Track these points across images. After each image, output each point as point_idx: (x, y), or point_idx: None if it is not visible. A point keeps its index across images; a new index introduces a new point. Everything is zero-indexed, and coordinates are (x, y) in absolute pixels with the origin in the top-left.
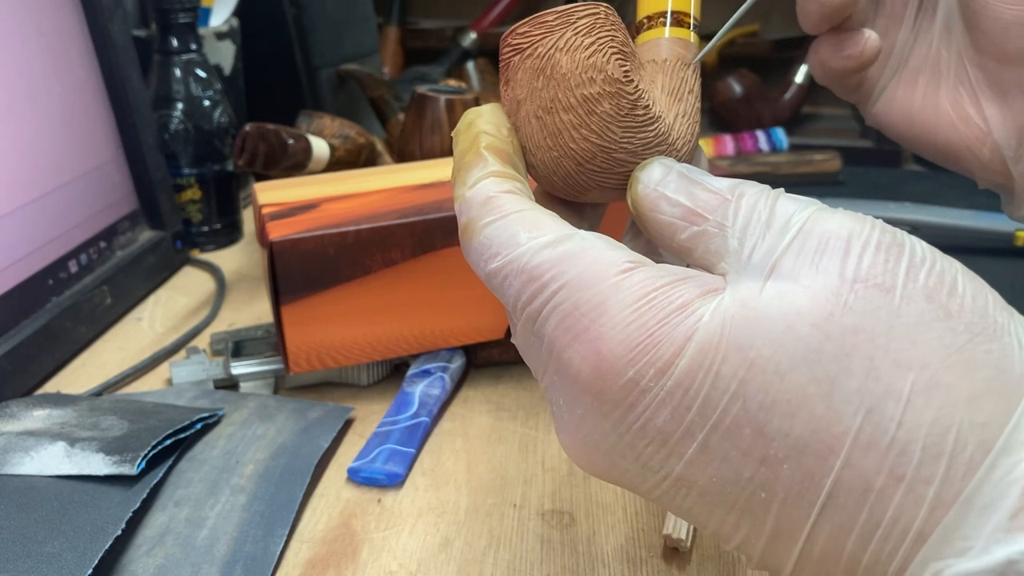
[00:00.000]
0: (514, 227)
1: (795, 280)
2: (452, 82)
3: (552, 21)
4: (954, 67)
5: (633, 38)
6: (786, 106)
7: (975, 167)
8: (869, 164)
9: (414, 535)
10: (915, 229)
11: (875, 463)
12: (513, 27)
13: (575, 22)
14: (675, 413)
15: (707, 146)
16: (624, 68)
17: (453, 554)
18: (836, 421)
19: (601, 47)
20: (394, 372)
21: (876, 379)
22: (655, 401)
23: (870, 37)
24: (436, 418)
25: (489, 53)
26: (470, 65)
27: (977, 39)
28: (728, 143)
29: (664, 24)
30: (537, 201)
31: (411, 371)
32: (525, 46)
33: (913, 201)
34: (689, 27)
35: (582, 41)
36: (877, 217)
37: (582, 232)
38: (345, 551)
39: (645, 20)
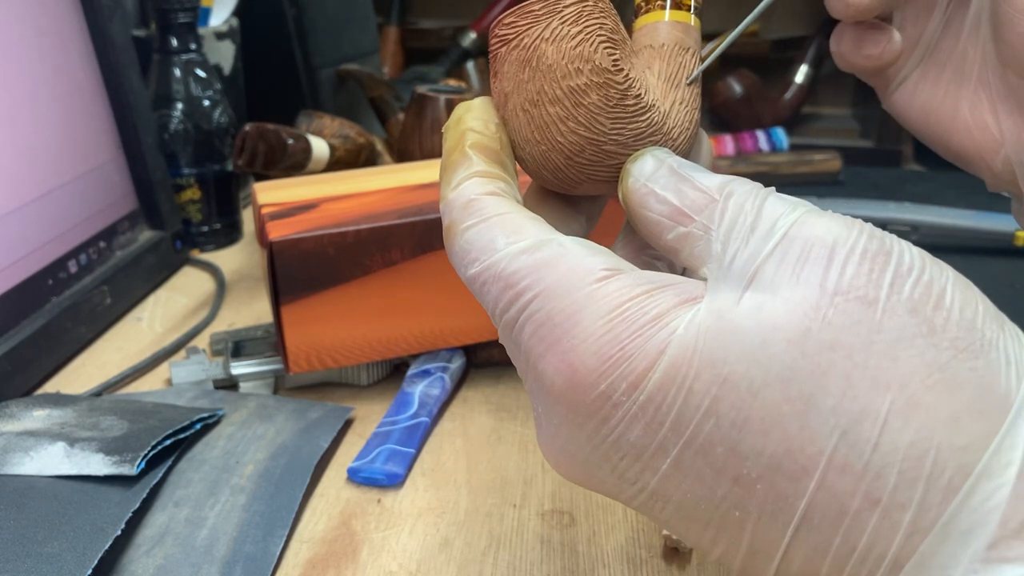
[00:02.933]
0: (493, 231)
1: (774, 291)
2: (452, 82)
3: (538, 10)
4: (977, 70)
5: (633, 21)
6: (786, 106)
7: (986, 175)
8: (869, 164)
9: (414, 535)
10: (915, 229)
11: (850, 486)
12: (500, 17)
13: (561, 10)
14: (648, 428)
15: None
16: (613, 57)
17: (453, 554)
18: (810, 442)
19: (588, 36)
20: (394, 372)
21: (853, 399)
22: (628, 415)
23: (892, 39)
24: (436, 418)
25: (489, 53)
26: (470, 65)
27: (1001, 50)
28: (728, 143)
29: (663, 7)
30: (532, 195)
31: (411, 371)
32: (511, 37)
33: (913, 201)
34: (689, 9)
35: (568, 30)
36: (876, 218)
37: (560, 237)
38: (345, 551)
39: (643, 3)
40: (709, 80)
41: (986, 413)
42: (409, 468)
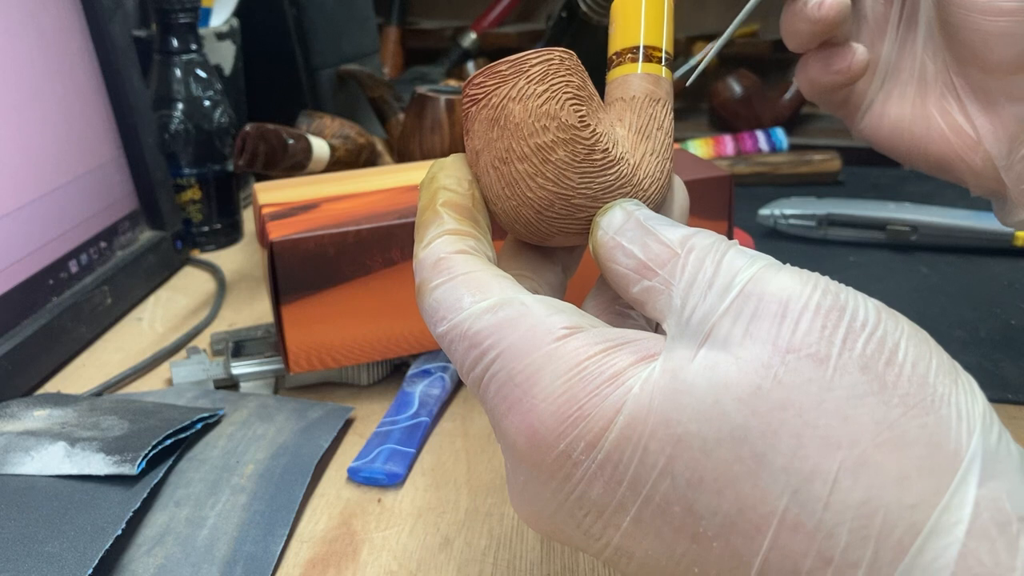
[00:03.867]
0: (459, 290)
1: (727, 348)
2: (452, 82)
3: (505, 70)
4: (940, 77)
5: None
6: (786, 106)
7: (968, 176)
8: (869, 164)
9: (414, 535)
10: (915, 229)
11: (802, 545)
12: (470, 78)
13: (527, 70)
14: (607, 486)
15: (707, 146)
16: (579, 113)
17: (453, 554)
18: (762, 501)
19: (554, 94)
20: (394, 372)
21: (803, 458)
22: (587, 474)
23: (857, 50)
24: (436, 418)
25: (489, 53)
26: (470, 65)
27: (959, 51)
28: (728, 143)
29: (634, 60)
30: (508, 247)
31: (411, 371)
32: (480, 96)
33: (913, 201)
34: (660, 62)
35: (534, 89)
36: (876, 218)
37: (523, 296)
38: (345, 551)
39: (615, 56)
40: (709, 80)
41: (935, 471)
42: (409, 468)
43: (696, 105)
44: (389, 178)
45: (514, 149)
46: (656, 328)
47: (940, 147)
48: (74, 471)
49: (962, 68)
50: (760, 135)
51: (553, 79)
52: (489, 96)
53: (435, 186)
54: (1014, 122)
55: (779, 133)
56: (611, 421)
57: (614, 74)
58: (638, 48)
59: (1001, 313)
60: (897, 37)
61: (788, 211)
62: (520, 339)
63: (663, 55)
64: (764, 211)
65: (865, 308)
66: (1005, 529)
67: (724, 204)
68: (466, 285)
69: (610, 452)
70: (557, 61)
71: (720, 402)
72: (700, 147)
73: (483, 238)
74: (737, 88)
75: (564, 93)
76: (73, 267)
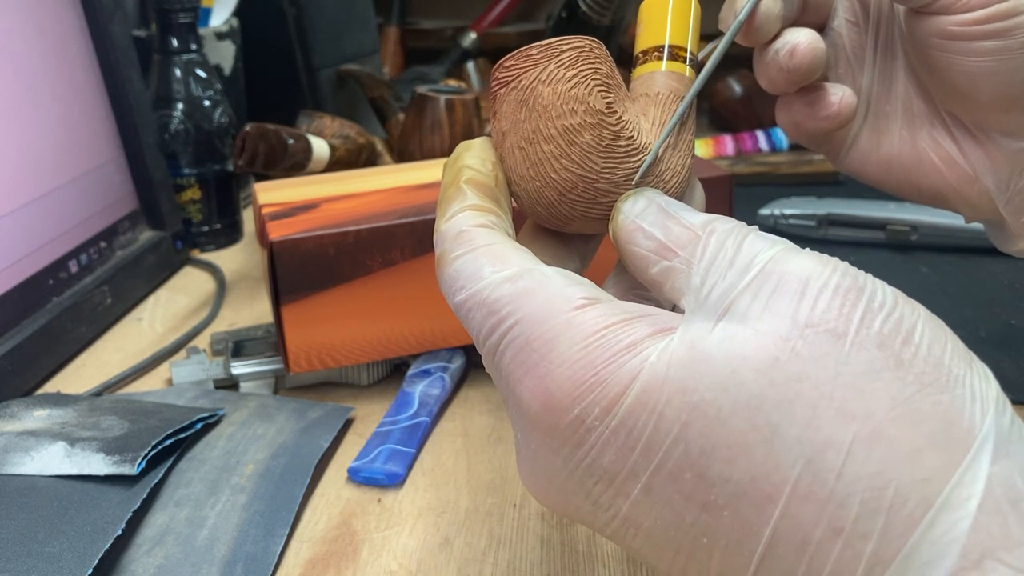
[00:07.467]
0: (480, 260)
1: (746, 322)
2: (452, 82)
3: (536, 54)
4: (927, 110)
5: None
6: None
7: (963, 207)
8: None
9: (414, 535)
10: (915, 229)
11: (813, 515)
12: (501, 60)
13: (558, 55)
14: (620, 453)
15: (707, 146)
16: (607, 100)
17: (453, 554)
18: (775, 470)
19: (584, 79)
20: (394, 372)
21: (817, 428)
22: (600, 440)
23: (844, 94)
24: (436, 418)
25: (489, 53)
26: (470, 65)
27: (946, 89)
28: (728, 143)
29: (659, 58)
30: (526, 234)
31: (411, 371)
32: (510, 79)
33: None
34: (685, 61)
35: (564, 73)
36: (877, 218)
37: (543, 267)
38: (345, 551)
39: (641, 54)
40: (709, 80)
41: (948, 447)
42: (409, 468)
43: (696, 105)
44: (389, 178)
45: (541, 130)
46: (672, 311)
47: (933, 180)
48: (74, 471)
49: (950, 104)
50: (760, 135)
51: (583, 65)
52: (519, 78)
53: (459, 164)
54: (1010, 156)
55: (779, 133)
56: (627, 387)
57: (639, 71)
58: (663, 47)
59: (1001, 313)
60: (875, 68)
61: (788, 211)
62: (539, 307)
63: (688, 55)
64: (764, 211)
65: (883, 291)
66: (1018, 505)
67: (724, 204)
68: (486, 256)
69: (624, 418)
70: (587, 49)
71: (737, 372)
72: (700, 147)
73: (504, 216)
74: (737, 88)
75: (593, 79)
76: (73, 267)
